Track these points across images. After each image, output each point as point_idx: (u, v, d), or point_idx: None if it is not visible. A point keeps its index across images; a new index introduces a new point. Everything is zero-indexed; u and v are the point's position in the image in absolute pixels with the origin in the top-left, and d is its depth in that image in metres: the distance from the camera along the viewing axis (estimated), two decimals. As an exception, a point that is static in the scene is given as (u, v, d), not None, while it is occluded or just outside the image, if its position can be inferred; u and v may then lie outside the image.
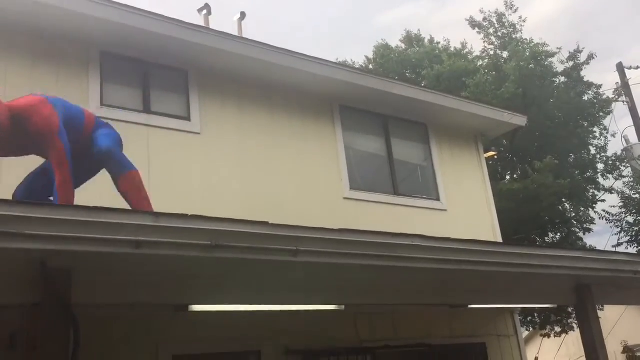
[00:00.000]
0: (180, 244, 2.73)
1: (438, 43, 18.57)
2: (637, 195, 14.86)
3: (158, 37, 6.38)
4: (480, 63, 16.16)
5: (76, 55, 6.16)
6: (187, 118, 6.69)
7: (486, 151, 10.10)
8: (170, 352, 5.58)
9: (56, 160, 3.93)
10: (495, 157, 14.09)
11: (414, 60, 17.55)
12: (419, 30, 19.52)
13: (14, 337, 3.90)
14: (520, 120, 9.47)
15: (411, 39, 19.14)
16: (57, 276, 2.53)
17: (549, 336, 16.18)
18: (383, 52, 18.50)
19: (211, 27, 7.90)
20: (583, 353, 4.63)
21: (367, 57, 19.00)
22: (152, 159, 6.12)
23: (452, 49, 17.64)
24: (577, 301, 4.77)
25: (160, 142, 6.34)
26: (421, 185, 8.71)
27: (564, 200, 14.33)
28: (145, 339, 5.36)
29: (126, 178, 4.08)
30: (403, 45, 19.12)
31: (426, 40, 18.93)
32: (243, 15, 8.62)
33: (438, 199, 8.56)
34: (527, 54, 14.27)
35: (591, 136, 15.34)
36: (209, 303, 3.85)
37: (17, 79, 5.64)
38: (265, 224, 3.04)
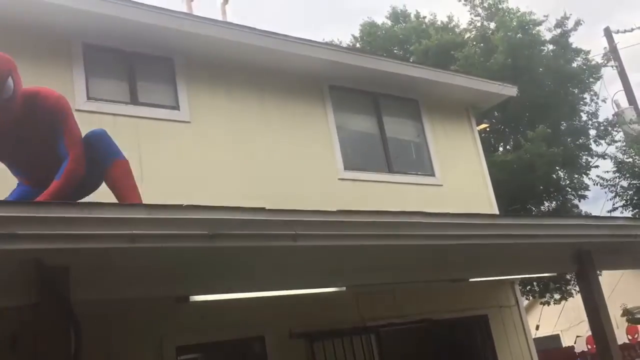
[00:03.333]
0: (176, 236, 2.67)
1: (424, 17, 18.42)
2: (630, 159, 14.87)
3: (140, 25, 6.27)
4: (467, 35, 16.06)
5: (58, 49, 6.04)
6: (176, 107, 6.60)
7: (478, 124, 10.07)
8: (174, 344, 5.57)
9: (70, 140, 3.77)
10: (488, 129, 14.06)
11: (401, 37, 17.41)
12: (404, 5, 19.32)
13: (15, 337, 3.86)
14: (510, 90, 9.43)
15: (397, 15, 18.95)
16: (54, 275, 2.47)
17: (548, 304, 16.32)
18: (369, 29, 18.33)
19: (195, 13, 7.78)
20: (582, 318, 4.62)
21: (353, 35, 18.86)
22: (143, 150, 6.04)
23: (439, 22, 17.50)
24: (578, 268, 4.76)
25: (150, 133, 6.25)
26: (415, 162, 8.68)
27: (557, 168, 14.35)
28: (148, 333, 5.34)
29: (117, 165, 3.86)
30: (389, 22, 18.95)
31: (412, 16, 18.76)
32: (226, -1, 8.51)
33: (433, 175, 8.53)
34: (514, 23, 14.18)
35: (582, 103, 15.33)
36: (210, 293, 3.82)
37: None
38: (262, 210, 2.99)
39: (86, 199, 3.21)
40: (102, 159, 3.86)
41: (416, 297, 7.15)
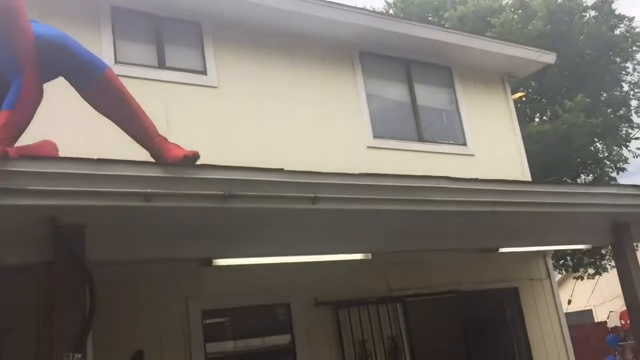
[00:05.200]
0: (191, 195, 2.61)
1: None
2: (673, 132, 14.35)
3: (168, -12, 6.19)
4: (505, 1, 15.55)
5: (86, 11, 6.02)
6: (203, 72, 6.54)
7: (514, 92, 9.77)
8: (199, 307, 5.61)
9: (23, 53, 2.77)
10: (524, 98, 13.66)
11: (435, 3, 16.96)
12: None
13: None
14: (549, 57, 9.09)
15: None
16: (69, 233, 2.44)
17: (582, 278, 16.02)
18: (403, -5, 17.91)
19: (223, -24, 7.64)
20: (617, 294, 4.44)
21: (387, 1, 18.44)
22: (170, 115, 6.02)
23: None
24: (614, 240, 4.56)
25: (177, 98, 6.22)
26: (447, 131, 8.48)
27: (596, 140, 13.91)
28: (174, 295, 5.38)
29: (111, 76, 2.93)
30: (424, -12, 18.45)
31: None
32: (255, -38, 8.30)
33: (465, 144, 8.33)
34: (556, -13, 13.67)
35: (624, 72, 14.75)
36: (232, 256, 3.79)
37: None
38: (280, 171, 2.91)
39: (97, 155, 2.92)
40: (85, 69, 2.90)
41: (444, 267, 7.05)
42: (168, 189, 2.56)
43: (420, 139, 7.93)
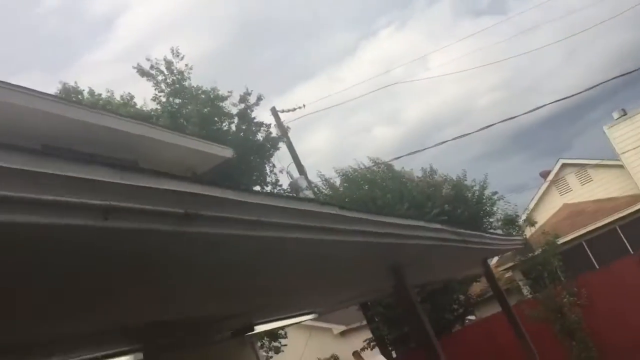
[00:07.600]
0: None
1: (100, 94, 17.53)
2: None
3: None
4: (152, 111, 15.86)
5: None
6: None
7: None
8: None
9: None
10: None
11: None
12: (75, 82, 18.04)
13: None
14: (228, 152, 9.52)
15: (69, 92, 17.60)
16: None
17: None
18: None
19: None
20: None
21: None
22: None
23: (118, 98, 16.88)
24: (395, 282, 4.55)
25: None
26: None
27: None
28: None
29: None
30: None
31: (86, 93, 17.67)
32: None
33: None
34: (203, 96, 14.65)
35: (266, 173, 16.43)
36: None
37: None
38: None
39: None
40: None
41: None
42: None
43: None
